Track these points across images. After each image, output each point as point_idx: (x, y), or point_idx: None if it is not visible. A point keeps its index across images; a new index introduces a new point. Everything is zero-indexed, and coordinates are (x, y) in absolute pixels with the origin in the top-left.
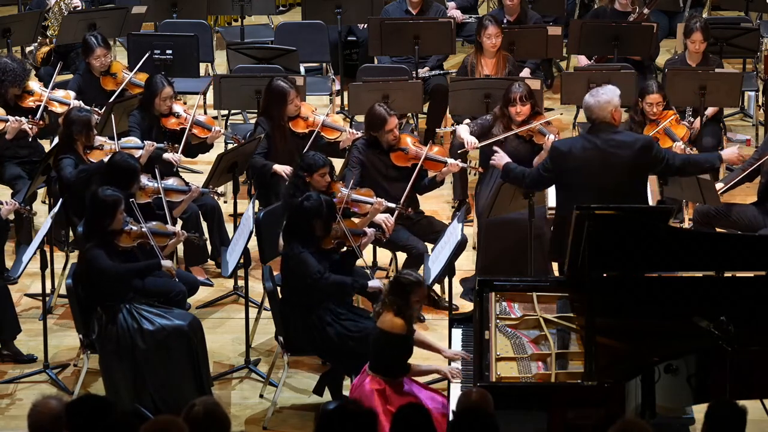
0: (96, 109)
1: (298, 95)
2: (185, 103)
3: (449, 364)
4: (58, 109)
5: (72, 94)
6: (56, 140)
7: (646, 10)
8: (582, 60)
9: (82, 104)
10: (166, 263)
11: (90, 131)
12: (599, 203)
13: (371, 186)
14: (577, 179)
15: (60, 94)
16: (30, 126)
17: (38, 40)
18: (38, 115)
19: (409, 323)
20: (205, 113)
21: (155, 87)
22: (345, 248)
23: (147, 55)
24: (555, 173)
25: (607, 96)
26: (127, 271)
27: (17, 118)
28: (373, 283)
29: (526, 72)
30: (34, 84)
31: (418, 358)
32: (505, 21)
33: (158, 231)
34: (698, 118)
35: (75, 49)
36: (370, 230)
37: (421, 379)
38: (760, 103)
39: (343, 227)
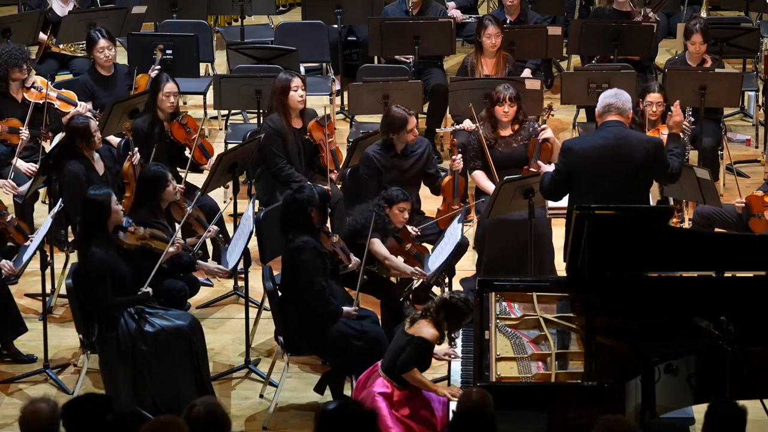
0: (95, 112)
1: (304, 85)
2: (187, 103)
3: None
4: (57, 104)
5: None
6: (56, 139)
7: (651, 14)
8: None
9: (90, 106)
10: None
11: (91, 137)
12: (607, 202)
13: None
14: (589, 177)
15: (64, 93)
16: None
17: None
18: (43, 124)
19: (441, 337)
20: (206, 114)
21: (158, 82)
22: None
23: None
24: (566, 174)
25: (627, 93)
26: (120, 304)
27: (28, 134)
28: (347, 310)
29: (527, 72)
30: (37, 79)
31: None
32: (507, 21)
33: (159, 236)
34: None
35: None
36: (355, 260)
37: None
38: (760, 103)
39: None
